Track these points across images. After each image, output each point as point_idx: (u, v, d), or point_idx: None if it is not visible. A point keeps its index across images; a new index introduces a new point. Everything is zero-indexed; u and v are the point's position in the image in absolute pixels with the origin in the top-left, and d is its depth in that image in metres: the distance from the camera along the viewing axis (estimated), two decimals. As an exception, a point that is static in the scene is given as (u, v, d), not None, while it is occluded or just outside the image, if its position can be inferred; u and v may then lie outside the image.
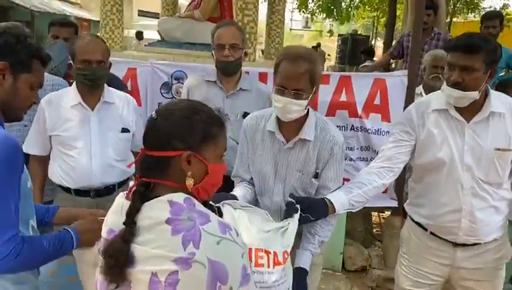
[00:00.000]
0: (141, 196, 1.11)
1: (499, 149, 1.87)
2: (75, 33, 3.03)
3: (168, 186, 1.12)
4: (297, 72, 1.69)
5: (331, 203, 1.78)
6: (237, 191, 1.89)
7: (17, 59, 1.39)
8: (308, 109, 1.83)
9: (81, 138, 2.18)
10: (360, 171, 2.05)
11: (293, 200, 1.72)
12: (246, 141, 1.95)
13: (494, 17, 3.94)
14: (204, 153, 1.15)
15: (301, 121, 1.82)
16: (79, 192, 2.21)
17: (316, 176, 1.86)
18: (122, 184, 2.28)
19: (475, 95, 1.82)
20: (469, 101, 1.85)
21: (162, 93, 3.29)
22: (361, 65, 7.16)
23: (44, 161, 2.28)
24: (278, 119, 1.85)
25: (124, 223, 1.08)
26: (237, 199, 1.75)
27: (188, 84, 2.63)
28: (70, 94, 2.22)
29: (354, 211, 1.92)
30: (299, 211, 1.68)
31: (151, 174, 1.14)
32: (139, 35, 11.30)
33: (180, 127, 1.13)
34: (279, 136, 1.86)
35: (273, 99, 1.76)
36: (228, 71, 2.50)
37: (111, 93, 2.29)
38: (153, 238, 1.05)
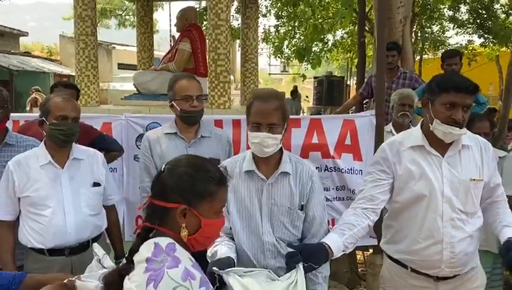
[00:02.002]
0: (142, 238, 1.25)
1: (473, 179, 1.95)
2: (76, 95, 3.10)
3: (166, 233, 1.25)
4: (270, 108, 1.84)
5: (329, 247, 1.78)
6: (222, 250, 1.81)
7: None
8: (282, 147, 1.93)
9: (53, 197, 2.17)
10: (345, 212, 2.05)
11: (294, 250, 1.72)
12: None
13: (454, 55, 4.14)
14: (201, 209, 1.26)
15: (277, 158, 1.92)
16: (52, 252, 2.17)
17: (302, 208, 1.91)
18: (96, 239, 2.25)
19: (466, 130, 1.93)
20: (459, 137, 1.94)
21: (137, 146, 3.30)
22: None
23: (13, 226, 2.23)
24: (254, 158, 1.92)
25: (125, 258, 1.25)
26: (234, 261, 1.74)
27: (147, 139, 2.57)
28: (39, 154, 2.22)
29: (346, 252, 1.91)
30: (301, 261, 1.67)
31: (153, 220, 1.27)
32: None
33: (181, 182, 1.26)
34: (259, 174, 1.90)
35: (250, 136, 1.85)
36: (196, 121, 2.54)
37: (79, 150, 2.31)
38: (135, 273, 1.18)
